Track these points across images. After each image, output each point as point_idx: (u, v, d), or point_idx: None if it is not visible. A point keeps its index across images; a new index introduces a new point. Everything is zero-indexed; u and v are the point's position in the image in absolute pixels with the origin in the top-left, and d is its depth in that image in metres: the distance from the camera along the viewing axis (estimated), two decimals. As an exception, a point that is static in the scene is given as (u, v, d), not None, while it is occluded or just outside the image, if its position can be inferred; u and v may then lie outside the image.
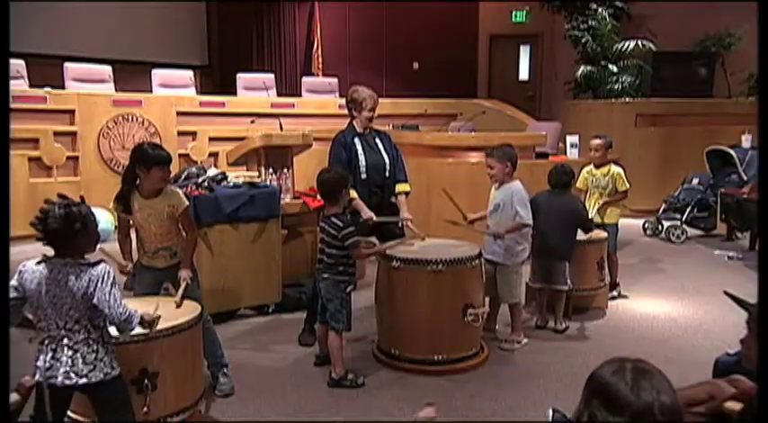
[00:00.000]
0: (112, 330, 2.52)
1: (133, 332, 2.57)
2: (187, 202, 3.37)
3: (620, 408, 1.33)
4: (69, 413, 2.60)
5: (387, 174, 4.23)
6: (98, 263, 2.41)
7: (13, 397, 2.33)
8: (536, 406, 3.34)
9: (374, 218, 4.06)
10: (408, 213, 4.24)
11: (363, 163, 4.14)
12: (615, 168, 5.06)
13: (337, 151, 4.16)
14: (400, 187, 4.29)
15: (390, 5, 11.25)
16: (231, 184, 4.69)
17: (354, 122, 4.26)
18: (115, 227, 3.56)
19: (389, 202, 4.27)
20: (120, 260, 3.31)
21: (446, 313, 3.72)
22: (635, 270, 5.98)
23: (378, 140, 4.28)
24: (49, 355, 2.38)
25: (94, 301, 2.36)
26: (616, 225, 5.09)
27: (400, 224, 4.25)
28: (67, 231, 2.34)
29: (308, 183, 5.07)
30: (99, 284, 2.36)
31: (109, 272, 2.41)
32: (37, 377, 2.38)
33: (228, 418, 3.24)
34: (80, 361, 2.37)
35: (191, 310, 3.03)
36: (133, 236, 3.46)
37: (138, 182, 3.25)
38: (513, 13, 11.78)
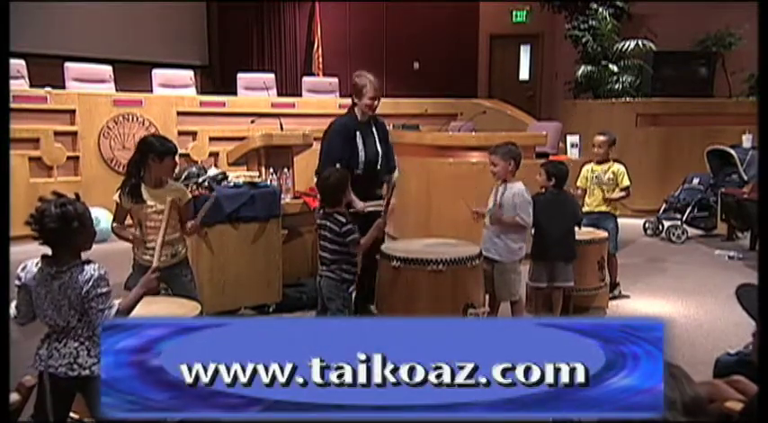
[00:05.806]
0: None
1: None
2: (190, 196, 3.51)
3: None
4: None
5: (378, 167, 4.21)
6: (87, 262, 2.36)
7: (13, 397, 2.32)
8: (536, 406, 3.33)
9: (365, 208, 4.00)
10: (394, 199, 4.22)
11: (362, 158, 4.12)
12: (617, 165, 5.08)
13: (336, 143, 4.07)
14: (394, 177, 4.31)
15: (390, 5, 11.24)
16: (231, 183, 4.69)
17: (355, 109, 4.18)
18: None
19: (377, 193, 4.22)
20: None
21: (446, 313, 3.69)
22: (635, 270, 5.97)
23: (374, 130, 4.23)
24: (53, 345, 2.36)
25: (91, 303, 2.33)
26: (616, 223, 5.08)
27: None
28: (65, 230, 2.28)
29: (309, 183, 5.06)
30: (92, 287, 2.31)
31: (101, 275, 2.36)
32: (37, 367, 2.37)
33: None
34: (85, 353, 2.35)
35: (190, 309, 3.03)
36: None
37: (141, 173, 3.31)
38: (514, 13, 11.77)
